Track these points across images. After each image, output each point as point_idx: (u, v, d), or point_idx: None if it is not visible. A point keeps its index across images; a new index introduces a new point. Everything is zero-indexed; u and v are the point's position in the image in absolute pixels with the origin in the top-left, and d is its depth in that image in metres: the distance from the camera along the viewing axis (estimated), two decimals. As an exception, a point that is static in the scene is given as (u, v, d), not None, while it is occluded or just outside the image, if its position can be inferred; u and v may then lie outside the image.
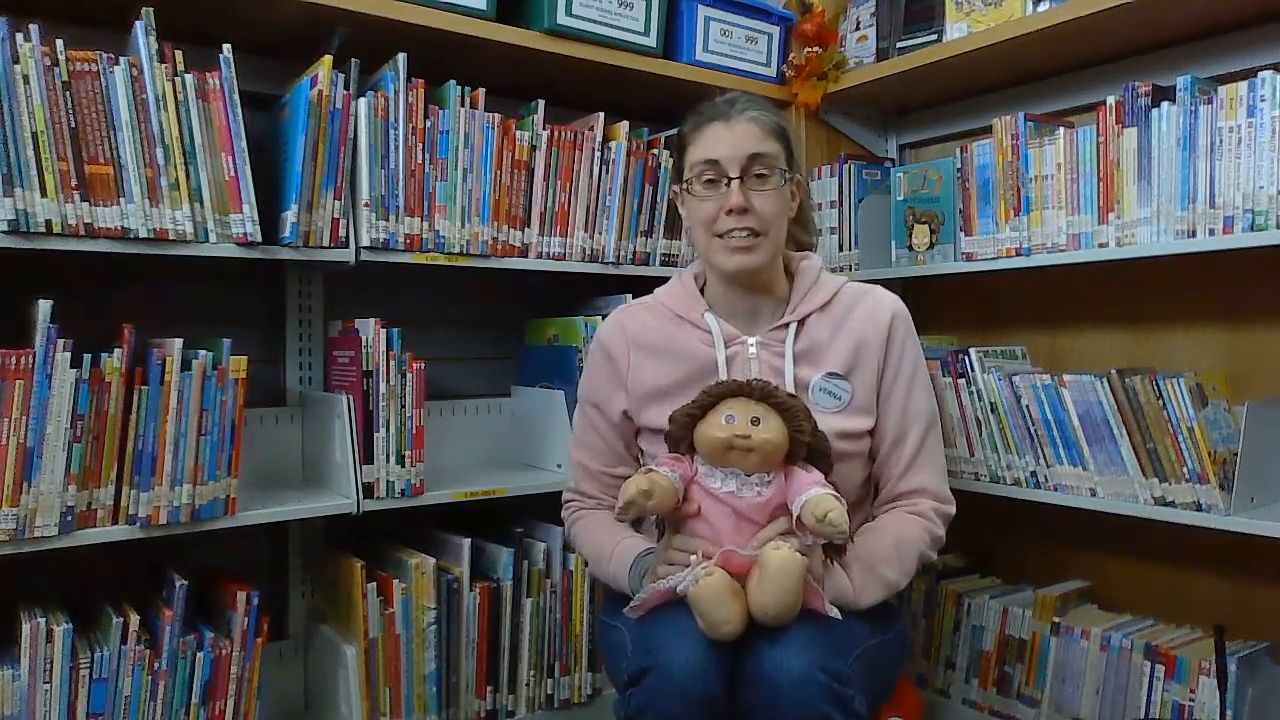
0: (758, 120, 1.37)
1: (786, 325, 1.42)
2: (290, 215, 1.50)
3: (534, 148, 1.77)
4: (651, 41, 1.91)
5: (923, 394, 1.45)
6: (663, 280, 1.60)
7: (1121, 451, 1.57)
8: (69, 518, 1.32)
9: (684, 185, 1.42)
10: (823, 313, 1.43)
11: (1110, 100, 1.63)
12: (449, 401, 1.99)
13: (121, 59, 1.36)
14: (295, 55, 1.65)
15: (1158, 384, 1.51)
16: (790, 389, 1.37)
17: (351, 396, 1.59)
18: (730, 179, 1.35)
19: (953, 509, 1.44)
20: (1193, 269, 1.69)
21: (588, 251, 1.84)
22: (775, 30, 2.11)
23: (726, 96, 1.43)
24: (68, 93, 1.32)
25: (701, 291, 1.48)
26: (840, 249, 2.11)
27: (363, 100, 1.57)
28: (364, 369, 1.60)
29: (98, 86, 1.34)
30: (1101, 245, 1.65)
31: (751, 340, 1.41)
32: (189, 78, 1.41)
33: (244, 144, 1.45)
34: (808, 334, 1.42)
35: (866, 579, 1.31)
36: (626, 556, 1.36)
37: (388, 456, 1.61)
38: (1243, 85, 1.45)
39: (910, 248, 1.99)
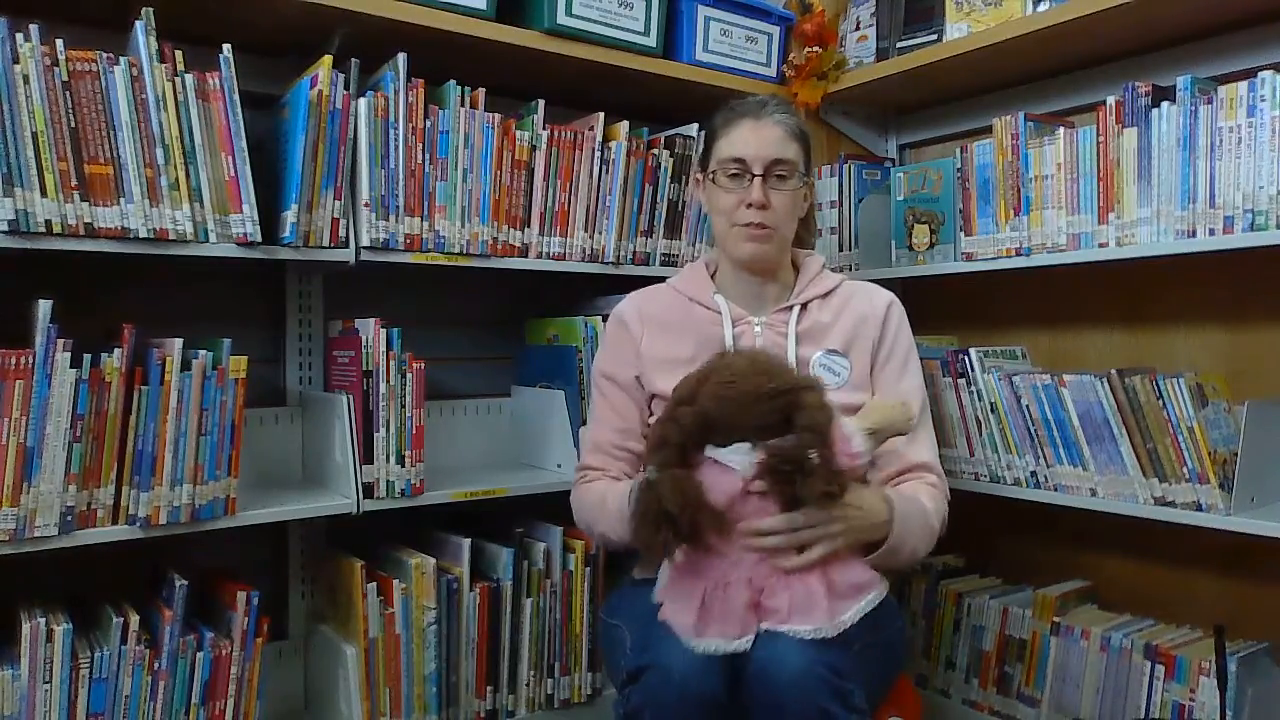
0: (784, 123, 1.47)
1: (790, 307, 1.50)
2: (290, 215, 1.50)
3: (534, 148, 1.77)
4: (651, 41, 1.91)
5: (916, 377, 1.53)
6: (663, 280, 1.62)
7: (1121, 451, 1.57)
8: (69, 518, 1.32)
9: (709, 175, 1.50)
10: (825, 300, 1.52)
11: (1110, 100, 1.63)
12: (449, 401, 1.99)
13: (121, 59, 1.36)
14: (295, 55, 1.65)
15: (1158, 384, 1.51)
16: (792, 365, 1.43)
17: (351, 396, 1.59)
18: (754, 176, 1.43)
19: (948, 491, 1.50)
20: (1193, 269, 1.69)
21: (588, 251, 1.84)
22: (775, 30, 2.11)
23: (759, 98, 1.52)
24: (68, 93, 1.32)
25: (712, 278, 1.56)
26: (840, 249, 2.11)
27: (363, 100, 1.57)
28: (364, 369, 1.60)
29: (98, 86, 1.34)
30: (1101, 245, 1.65)
31: (757, 320, 1.49)
32: (189, 78, 1.41)
33: (244, 144, 1.45)
34: (810, 316, 1.50)
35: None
36: (623, 490, 1.38)
37: (388, 456, 1.61)
38: (1243, 85, 1.46)
39: (910, 248, 1.99)
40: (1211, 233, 1.49)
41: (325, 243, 1.54)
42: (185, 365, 1.39)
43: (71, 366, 1.31)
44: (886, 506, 1.30)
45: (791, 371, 1.25)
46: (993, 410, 1.74)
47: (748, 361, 1.23)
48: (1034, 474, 1.71)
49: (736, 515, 1.19)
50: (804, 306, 1.50)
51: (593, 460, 1.54)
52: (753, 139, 1.44)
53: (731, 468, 1.19)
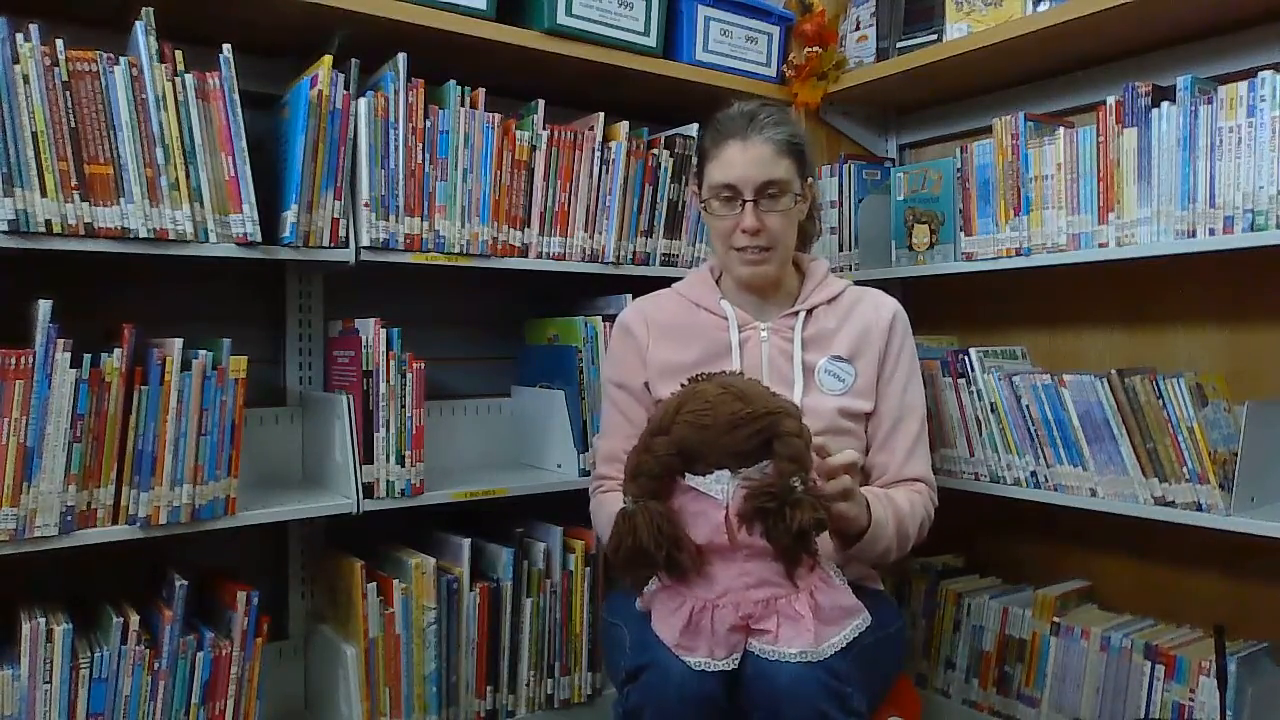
0: (773, 140, 1.44)
1: (796, 313, 1.51)
2: (290, 215, 1.50)
3: (534, 148, 1.77)
4: (651, 41, 1.91)
5: (918, 388, 1.55)
6: (663, 280, 1.64)
7: (1121, 451, 1.57)
8: (69, 518, 1.32)
9: (702, 202, 1.51)
10: (830, 305, 1.53)
11: (1110, 100, 1.63)
12: (449, 401, 1.99)
13: (121, 59, 1.36)
14: (295, 55, 1.65)
15: (1158, 384, 1.51)
16: (799, 371, 1.46)
17: (351, 396, 1.59)
18: (745, 201, 1.43)
19: (937, 498, 1.55)
20: (1193, 269, 1.69)
21: (588, 251, 1.84)
22: (775, 30, 2.11)
23: (746, 109, 1.48)
24: (68, 93, 1.32)
25: (717, 283, 1.58)
26: (840, 249, 2.11)
27: (363, 100, 1.57)
28: (364, 369, 1.60)
29: (98, 86, 1.34)
30: (1101, 245, 1.65)
31: (763, 326, 1.50)
32: (189, 78, 1.41)
33: (244, 144, 1.45)
34: (815, 322, 1.51)
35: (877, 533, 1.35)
36: None
37: (388, 456, 1.61)
38: (1243, 85, 1.46)
39: (910, 248, 1.99)
40: (1211, 233, 1.49)
41: (325, 243, 1.54)
42: (185, 365, 1.39)
43: (71, 366, 1.31)
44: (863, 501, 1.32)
45: (766, 394, 1.19)
46: (993, 410, 1.74)
47: (722, 388, 1.18)
48: (1034, 474, 1.71)
49: (719, 545, 1.17)
50: (809, 312, 1.51)
51: (607, 470, 1.54)
52: (740, 162, 1.43)
53: (713, 497, 1.17)
